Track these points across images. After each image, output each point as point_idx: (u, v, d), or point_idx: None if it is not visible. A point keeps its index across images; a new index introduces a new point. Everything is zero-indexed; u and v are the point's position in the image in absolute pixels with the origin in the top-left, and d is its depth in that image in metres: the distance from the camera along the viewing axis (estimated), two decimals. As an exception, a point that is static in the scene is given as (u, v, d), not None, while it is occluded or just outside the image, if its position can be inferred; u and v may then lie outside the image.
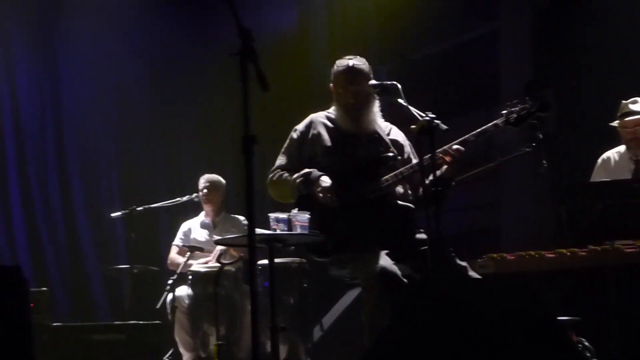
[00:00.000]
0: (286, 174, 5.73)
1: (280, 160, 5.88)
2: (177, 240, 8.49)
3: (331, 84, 5.84)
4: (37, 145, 10.38)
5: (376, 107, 5.82)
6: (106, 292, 10.24)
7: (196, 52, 10.90)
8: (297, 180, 5.60)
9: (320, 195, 5.51)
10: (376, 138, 5.79)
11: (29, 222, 10.12)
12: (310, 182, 5.56)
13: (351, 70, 5.72)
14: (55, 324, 7.89)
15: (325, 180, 5.53)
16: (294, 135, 5.90)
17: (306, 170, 5.62)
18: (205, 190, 8.44)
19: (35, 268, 9.90)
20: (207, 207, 8.51)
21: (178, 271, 7.71)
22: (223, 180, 8.56)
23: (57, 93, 10.55)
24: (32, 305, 7.11)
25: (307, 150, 5.81)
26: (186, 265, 7.77)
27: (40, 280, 9.49)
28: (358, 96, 5.73)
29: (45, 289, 8.33)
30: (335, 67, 5.82)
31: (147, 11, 10.63)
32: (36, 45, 10.51)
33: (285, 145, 5.93)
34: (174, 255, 8.40)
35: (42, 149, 10.41)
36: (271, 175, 5.83)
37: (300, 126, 5.92)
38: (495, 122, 5.41)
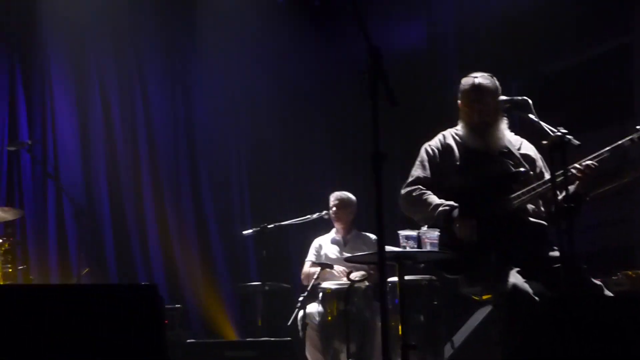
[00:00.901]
0: (428, 195, 5.65)
1: (418, 172, 5.80)
2: (311, 256, 8.49)
3: (458, 101, 5.80)
4: (171, 165, 10.59)
5: (504, 124, 5.75)
6: (238, 309, 10.36)
7: (326, 69, 10.98)
8: (437, 213, 5.56)
9: (460, 233, 5.46)
10: (506, 153, 5.71)
11: (163, 240, 10.33)
12: (452, 219, 5.52)
13: (477, 88, 5.67)
14: (189, 341, 8.00)
15: (468, 220, 5.48)
16: (428, 149, 5.85)
17: (448, 204, 5.56)
18: (335, 208, 8.43)
19: (170, 286, 10.08)
20: (337, 225, 8.50)
21: (308, 288, 7.73)
22: (353, 198, 8.52)
23: (190, 112, 10.77)
24: (166, 322, 7.24)
25: (438, 167, 5.77)
26: (316, 281, 7.79)
27: (174, 297, 9.66)
28: (483, 114, 5.68)
29: (179, 306, 8.48)
30: (461, 84, 5.77)
31: (277, 30, 10.76)
32: (169, 66, 10.76)
33: (418, 159, 5.87)
34: (307, 270, 8.40)
35: (175, 169, 10.62)
36: (410, 189, 5.75)
37: (432, 142, 5.88)
38: (630, 137, 5.28)
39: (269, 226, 8.68)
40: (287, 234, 9.97)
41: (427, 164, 5.80)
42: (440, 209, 5.52)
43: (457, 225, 5.45)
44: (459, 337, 7.79)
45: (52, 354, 4.01)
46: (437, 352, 7.40)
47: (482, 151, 5.69)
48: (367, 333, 7.53)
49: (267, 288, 8.70)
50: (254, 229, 8.81)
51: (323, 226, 8.69)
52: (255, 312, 9.25)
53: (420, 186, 5.72)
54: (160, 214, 10.40)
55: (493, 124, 5.70)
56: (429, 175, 5.75)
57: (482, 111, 5.66)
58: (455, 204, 5.51)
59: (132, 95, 10.55)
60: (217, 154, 10.81)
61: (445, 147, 5.79)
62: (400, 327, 5.42)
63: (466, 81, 5.73)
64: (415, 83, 10.08)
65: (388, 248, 5.00)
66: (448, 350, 7.64)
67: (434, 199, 5.61)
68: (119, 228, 10.23)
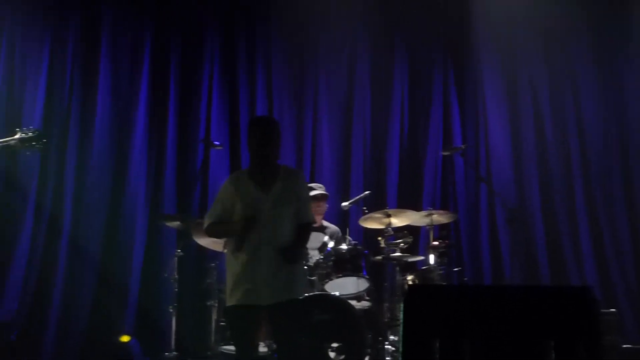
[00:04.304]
0: None
1: None
2: None
3: None
4: (602, 167, 10.42)
5: None
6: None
7: None
8: None
9: None
10: None
11: (596, 243, 10.21)
12: None
13: None
14: (625, 346, 7.86)
15: None
16: None
17: None
18: None
19: (603, 289, 9.92)
20: None
21: None
22: None
23: (622, 116, 10.54)
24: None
25: None
26: None
27: (609, 301, 9.49)
28: None
29: (614, 310, 8.33)
30: None
31: None
32: (601, 71, 10.62)
33: None
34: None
35: (607, 171, 10.43)
36: None
37: None
38: None
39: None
40: None
41: None
42: None
43: None
44: None
45: (484, 348, 4.15)
46: None
47: None
48: None
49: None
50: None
51: None
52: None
53: None
54: (592, 216, 10.30)
55: None
56: None
57: None
58: None
59: (564, 101, 10.57)
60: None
61: None
62: None
63: None
64: None
65: None
66: None
67: None
68: (551, 230, 10.26)
